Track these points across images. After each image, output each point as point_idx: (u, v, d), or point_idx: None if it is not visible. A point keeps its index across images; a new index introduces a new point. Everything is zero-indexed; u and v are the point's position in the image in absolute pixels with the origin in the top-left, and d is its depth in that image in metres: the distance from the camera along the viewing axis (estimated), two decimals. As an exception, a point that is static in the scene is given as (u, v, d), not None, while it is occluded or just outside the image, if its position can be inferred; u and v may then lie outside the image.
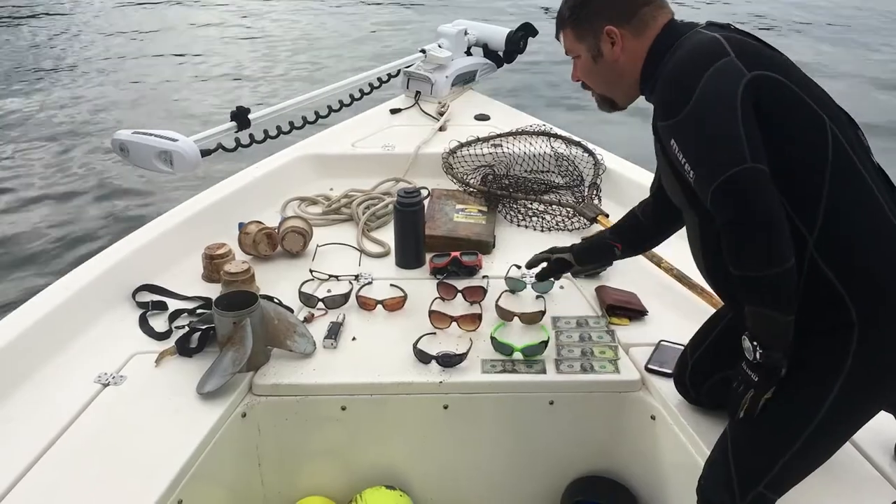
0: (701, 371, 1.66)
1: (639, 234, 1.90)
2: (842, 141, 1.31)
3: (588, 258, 1.98)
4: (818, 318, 1.32)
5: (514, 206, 2.62)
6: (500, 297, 2.06)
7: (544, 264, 2.00)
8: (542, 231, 2.53)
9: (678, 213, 1.63)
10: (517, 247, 2.41)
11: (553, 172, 2.85)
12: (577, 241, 2.28)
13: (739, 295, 1.32)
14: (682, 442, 1.69)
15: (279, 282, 2.18)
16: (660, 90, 1.40)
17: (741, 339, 1.33)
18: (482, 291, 2.09)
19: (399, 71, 3.49)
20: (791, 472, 1.37)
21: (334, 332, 1.94)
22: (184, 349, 1.87)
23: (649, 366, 1.84)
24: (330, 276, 2.21)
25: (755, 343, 1.30)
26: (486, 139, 2.97)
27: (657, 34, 1.48)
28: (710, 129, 1.29)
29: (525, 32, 3.66)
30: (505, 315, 2.00)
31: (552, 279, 2.05)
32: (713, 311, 1.96)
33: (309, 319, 2.01)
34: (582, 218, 2.52)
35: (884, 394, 1.37)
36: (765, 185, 1.23)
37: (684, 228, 1.63)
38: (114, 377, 1.79)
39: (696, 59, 1.34)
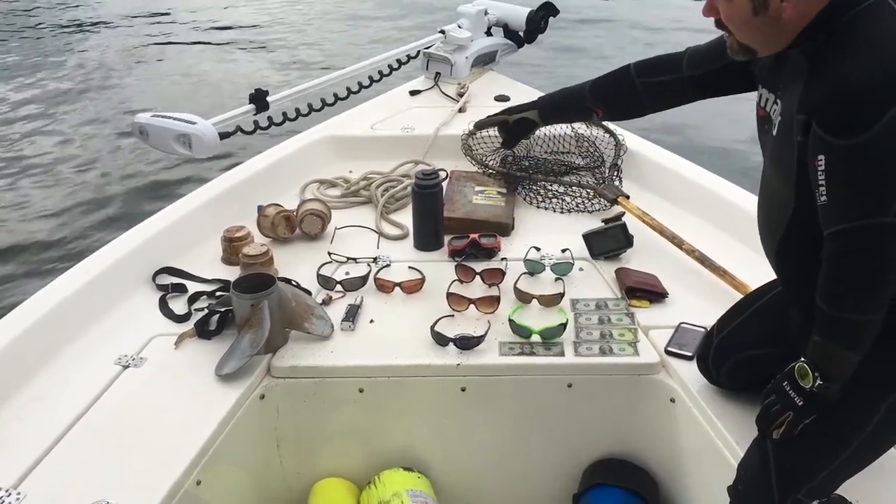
0: (725, 350, 1.63)
1: (628, 102, 1.69)
2: None
3: (557, 116, 1.78)
4: (887, 336, 1.26)
5: (534, 187, 2.59)
6: (518, 279, 2.05)
7: (494, 127, 1.76)
8: (561, 213, 2.51)
9: (692, 95, 1.47)
10: (536, 229, 2.40)
11: (573, 154, 2.81)
12: (598, 223, 2.29)
13: (819, 325, 1.26)
14: (701, 424, 1.68)
15: (297, 264, 2.18)
16: (832, 96, 1.19)
17: (796, 363, 1.27)
18: (501, 274, 2.08)
19: (418, 52, 3.45)
20: (834, 478, 1.35)
21: (352, 314, 1.94)
22: (203, 331, 1.88)
23: (669, 348, 1.82)
24: (348, 258, 2.21)
25: (816, 374, 1.25)
26: (505, 120, 2.94)
27: None
28: (875, 170, 1.17)
29: (546, 12, 3.60)
30: (523, 297, 1.99)
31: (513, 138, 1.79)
32: (735, 293, 1.94)
33: (327, 302, 2.01)
34: (602, 199, 2.50)
35: None
36: None
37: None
38: (134, 359, 1.81)
39: (890, 77, 1.14)
